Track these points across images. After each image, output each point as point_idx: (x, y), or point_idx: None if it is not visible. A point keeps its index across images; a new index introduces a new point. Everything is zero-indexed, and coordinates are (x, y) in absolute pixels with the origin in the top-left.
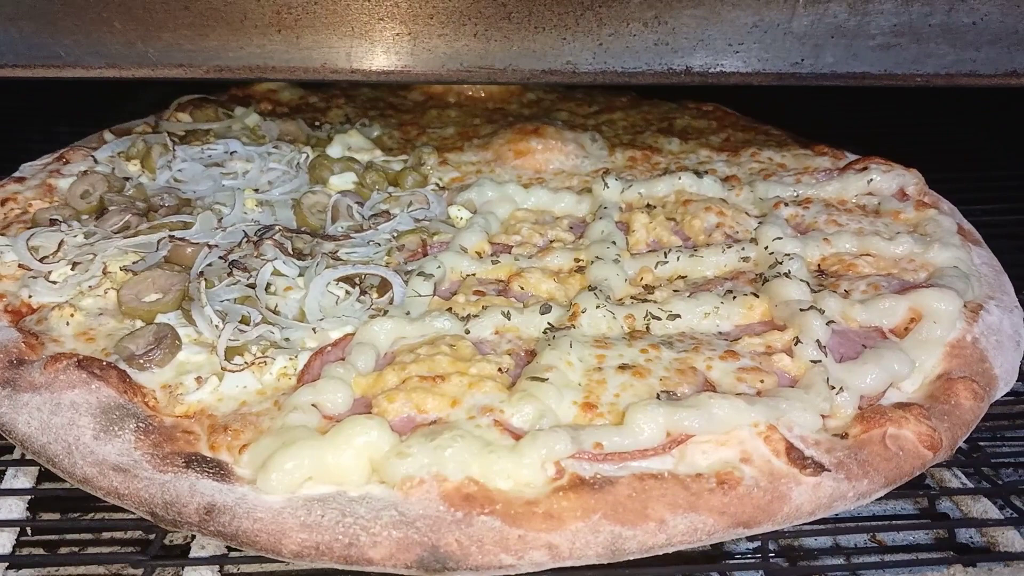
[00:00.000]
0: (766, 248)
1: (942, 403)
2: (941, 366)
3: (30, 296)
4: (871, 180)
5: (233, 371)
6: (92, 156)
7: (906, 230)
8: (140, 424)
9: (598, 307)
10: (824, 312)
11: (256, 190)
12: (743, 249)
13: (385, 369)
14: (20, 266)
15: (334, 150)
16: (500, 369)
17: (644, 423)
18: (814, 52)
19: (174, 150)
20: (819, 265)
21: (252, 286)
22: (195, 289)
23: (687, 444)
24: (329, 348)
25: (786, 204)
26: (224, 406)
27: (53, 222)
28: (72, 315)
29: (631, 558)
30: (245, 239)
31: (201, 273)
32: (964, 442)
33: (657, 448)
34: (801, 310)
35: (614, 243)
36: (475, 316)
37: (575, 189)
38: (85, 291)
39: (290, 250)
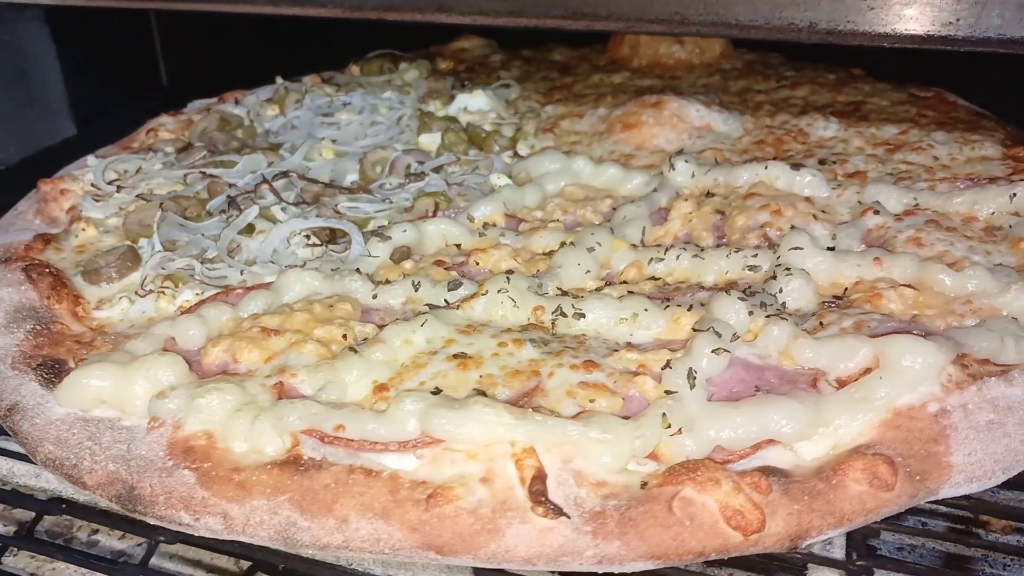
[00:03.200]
0: (777, 258)
1: (821, 480)
2: (869, 435)
3: (80, 210)
4: (1015, 195)
5: (141, 296)
6: (236, 99)
7: (1012, 264)
8: (38, 327)
9: (500, 291)
10: (729, 336)
11: (334, 141)
12: (755, 256)
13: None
14: (92, 184)
15: (452, 109)
16: (345, 336)
17: (400, 415)
18: (974, 10)
19: (304, 98)
20: (846, 289)
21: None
22: (159, 218)
23: (442, 449)
24: (240, 291)
25: (876, 212)
26: (121, 325)
27: (147, 149)
28: (84, 228)
29: (307, 551)
30: (262, 182)
31: (160, 203)
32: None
33: (393, 444)
34: (694, 330)
35: (611, 231)
36: (389, 283)
37: (657, 171)
38: (118, 212)
39: (292, 199)
